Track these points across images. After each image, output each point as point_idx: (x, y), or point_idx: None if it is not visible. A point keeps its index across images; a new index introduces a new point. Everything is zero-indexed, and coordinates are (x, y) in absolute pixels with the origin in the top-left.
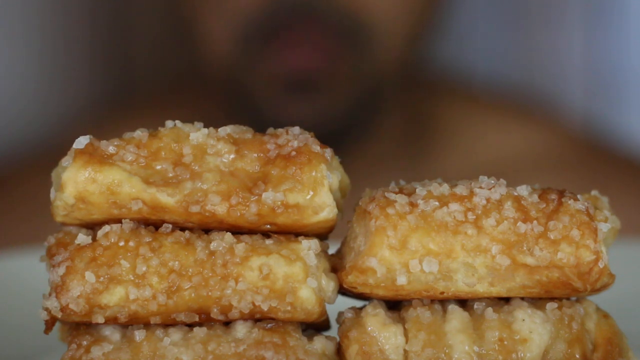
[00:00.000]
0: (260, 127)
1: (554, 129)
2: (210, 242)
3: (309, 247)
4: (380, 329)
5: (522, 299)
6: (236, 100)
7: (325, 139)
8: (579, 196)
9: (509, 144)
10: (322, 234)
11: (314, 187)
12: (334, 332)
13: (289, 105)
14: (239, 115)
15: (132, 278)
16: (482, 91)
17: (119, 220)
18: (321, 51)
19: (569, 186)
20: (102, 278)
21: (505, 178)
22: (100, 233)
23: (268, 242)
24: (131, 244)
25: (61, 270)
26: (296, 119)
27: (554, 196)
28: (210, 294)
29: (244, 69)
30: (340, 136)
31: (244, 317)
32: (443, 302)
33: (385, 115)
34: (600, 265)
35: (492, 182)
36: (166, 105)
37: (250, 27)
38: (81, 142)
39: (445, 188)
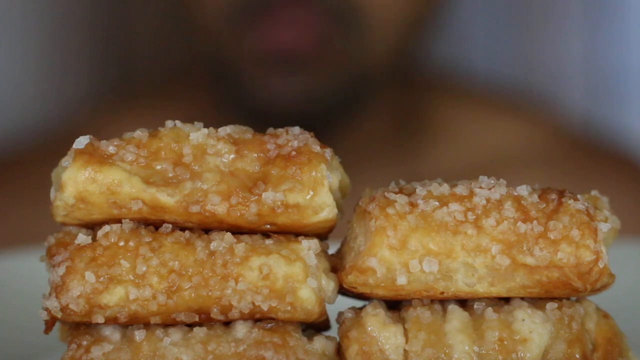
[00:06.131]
0: (245, 106)
1: (550, 127)
2: (210, 242)
3: (309, 247)
4: (380, 329)
5: (522, 299)
6: (224, 78)
7: (308, 122)
8: (579, 196)
9: (502, 141)
10: (322, 234)
11: (314, 187)
12: (334, 332)
13: (275, 84)
14: (225, 94)
15: (132, 278)
16: (479, 89)
17: (119, 220)
18: (312, 32)
19: (569, 186)
20: (102, 278)
21: (501, 176)
22: (100, 233)
23: (268, 242)
24: (131, 244)
25: (61, 270)
26: (281, 99)
27: (553, 196)
28: (210, 294)
29: (232, 46)
30: (324, 120)
31: (244, 317)
32: (443, 302)
33: (374, 109)
34: (600, 265)
35: (492, 182)
36: (165, 97)
37: (242, 5)
38: (81, 142)
39: (445, 188)
